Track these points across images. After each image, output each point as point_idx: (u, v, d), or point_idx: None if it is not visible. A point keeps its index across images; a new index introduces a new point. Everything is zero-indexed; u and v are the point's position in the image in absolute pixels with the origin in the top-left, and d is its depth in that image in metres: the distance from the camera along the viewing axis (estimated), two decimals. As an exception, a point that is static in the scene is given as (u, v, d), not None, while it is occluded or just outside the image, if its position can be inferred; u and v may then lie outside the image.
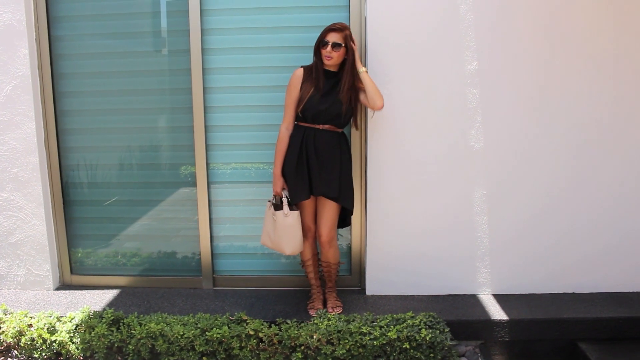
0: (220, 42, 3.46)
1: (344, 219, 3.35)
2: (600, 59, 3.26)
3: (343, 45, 3.01)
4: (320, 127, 3.10)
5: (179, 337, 2.89)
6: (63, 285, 3.77)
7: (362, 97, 3.12)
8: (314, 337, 2.85)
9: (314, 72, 3.09)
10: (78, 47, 3.54)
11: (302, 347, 2.87)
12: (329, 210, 3.19)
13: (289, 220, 3.13)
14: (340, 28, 3.01)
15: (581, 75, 3.28)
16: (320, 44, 3.04)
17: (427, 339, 2.81)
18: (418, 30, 3.25)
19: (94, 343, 2.95)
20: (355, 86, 3.09)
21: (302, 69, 3.13)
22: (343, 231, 3.63)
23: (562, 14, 3.21)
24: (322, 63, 3.09)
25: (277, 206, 3.18)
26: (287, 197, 3.16)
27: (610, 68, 3.27)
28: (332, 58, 3.02)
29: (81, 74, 3.56)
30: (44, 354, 3.03)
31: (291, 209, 3.15)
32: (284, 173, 3.17)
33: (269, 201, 3.25)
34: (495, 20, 3.22)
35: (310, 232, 3.27)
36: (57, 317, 3.12)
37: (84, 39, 3.53)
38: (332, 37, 3.00)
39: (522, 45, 3.25)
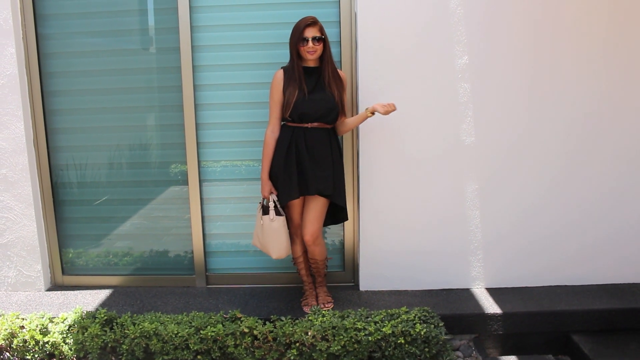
0: (210, 39, 3.44)
1: (335, 216, 3.32)
2: (589, 54, 3.27)
3: (322, 37, 3.01)
4: (309, 125, 3.08)
5: (173, 336, 2.88)
6: (55, 286, 3.74)
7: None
8: (309, 333, 2.85)
9: (296, 73, 3.05)
10: (66, 46, 3.50)
11: (297, 344, 2.86)
12: (317, 209, 3.15)
13: (274, 226, 3.12)
14: (315, 21, 3.00)
15: (571, 69, 3.29)
16: (299, 41, 3.01)
17: (422, 333, 2.82)
18: (408, 25, 3.25)
19: (87, 343, 2.93)
20: (338, 74, 3.11)
21: (281, 70, 3.10)
22: (336, 227, 3.63)
23: (552, 7, 3.22)
24: (301, 61, 3.07)
25: (265, 210, 3.16)
26: (274, 202, 3.14)
27: (599, 62, 3.28)
28: (316, 51, 3.01)
29: (70, 72, 3.53)
30: (36, 356, 3.00)
31: (278, 213, 3.13)
32: (272, 175, 3.15)
33: (260, 203, 3.24)
34: (485, 15, 3.22)
35: (300, 230, 3.26)
36: (49, 318, 3.10)
37: (71, 37, 3.49)
38: (311, 32, 2.99)
39: (513, 39, 3.25)
